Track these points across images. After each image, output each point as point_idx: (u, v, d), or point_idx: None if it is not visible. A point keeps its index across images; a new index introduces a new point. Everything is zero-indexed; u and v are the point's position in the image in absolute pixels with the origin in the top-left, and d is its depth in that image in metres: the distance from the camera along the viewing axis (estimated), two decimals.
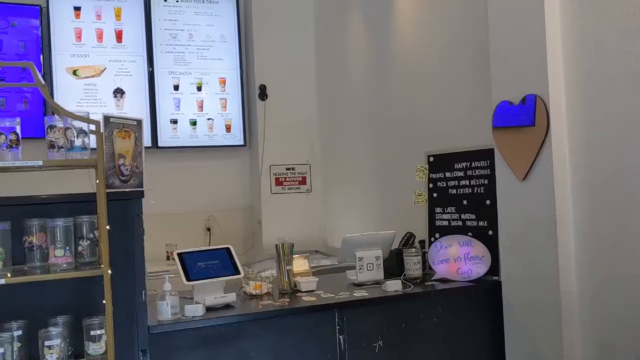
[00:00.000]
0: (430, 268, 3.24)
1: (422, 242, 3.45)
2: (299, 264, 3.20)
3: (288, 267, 3.09)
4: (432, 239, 3.37)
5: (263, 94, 5.26)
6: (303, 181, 5.38)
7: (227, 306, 2.81)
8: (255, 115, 5.33)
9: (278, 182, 5.31)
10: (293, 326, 2.76)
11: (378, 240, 3.25)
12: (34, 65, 2.23)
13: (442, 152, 3.42)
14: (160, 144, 5.07)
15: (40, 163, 2.17)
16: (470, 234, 3.20)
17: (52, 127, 2.28)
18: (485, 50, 3.03)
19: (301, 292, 3.05)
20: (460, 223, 3.28)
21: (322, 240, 5.27)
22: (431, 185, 3.44)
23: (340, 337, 2.77)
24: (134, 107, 4.98)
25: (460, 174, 3.29)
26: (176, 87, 5.17)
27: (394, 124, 4.22)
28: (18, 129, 2.25)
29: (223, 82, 5.30)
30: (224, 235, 5.24)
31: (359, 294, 2.95)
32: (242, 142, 5.37)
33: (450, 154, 3.36)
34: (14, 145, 2.22)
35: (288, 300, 2.91)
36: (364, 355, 2.80)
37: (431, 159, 3.47)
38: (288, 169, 5.34)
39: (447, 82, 3.65)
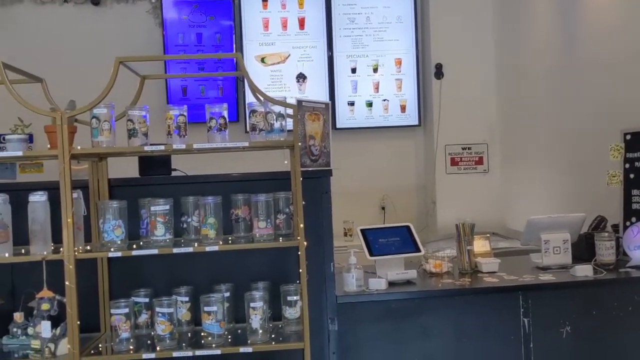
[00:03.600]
0: (624, 254, 3.02)
1: (615, 227, 3.22)
2: (480, 245, 3.18)
3: (469, 248, 3.08)
4: (627, 223, 3.14)
5: (439, 72, 5.22)
6: (480, 161, 5.26)
7: (408, 282, 2.90)
8: (430, 95, 5.31)
9: (453, 162, 5.25)
10: (475, 306, 2.76)
11: (566, 223, 3.11)
12: (240, 56, 2.47)
13: None
14: (338, 125, 5.28)
15: (246, 144, 2.41)
16: None
17: (254, 111, 2.50)
18: None
19: (482, 272, 3.03)
20: None
21: (499, 222, 5.12)
22: (627, 166, 3.19)
23: (525, 320, 2.72)
24: (315, 91, 5.24)
25: None
26: (353, 70, 5.33)
27: (583, 100, 3.96)
28: (225, 114, 2.51)
29: (399, 62, 5.35)
30: (398, 214, 5.33)
31: (545, 277, 2.86)
32: (416, 122, 5.40)
33: None
34: (222, 129, 2.48)
35: (469, 280, 2.92)
36: (550, 340, 2.72)
37: (628, 136, 3.21)
38: (464, 148, 5.25)
39: None
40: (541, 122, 4.56)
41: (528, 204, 4.74)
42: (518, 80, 4.93)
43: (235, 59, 5.17)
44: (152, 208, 2.39)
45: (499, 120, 5.26)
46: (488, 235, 3.33)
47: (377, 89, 5.35)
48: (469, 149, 5.26)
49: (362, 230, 3.00)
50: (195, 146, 2.36)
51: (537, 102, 4.62)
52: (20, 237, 2.41)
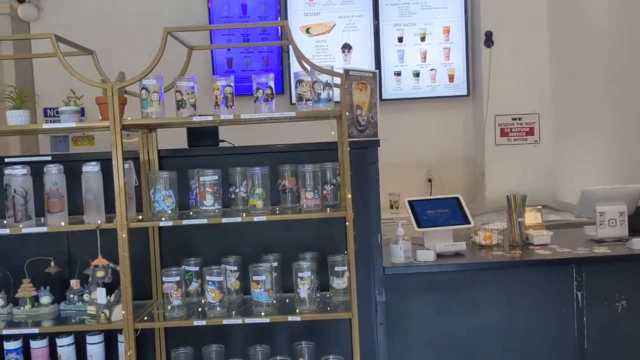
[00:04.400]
0: None
1: None
2: (532, 217, 3.11)
3: (520, 220, 3.01)
4: None
5: (489, 40, 5.05)
6: (531, 132, 5.10)
7: (457, 254, 2.86)
8: (479, 64, 5.16)
9: (503, 133, 5.11)
10: (526, 278, 2.71)
11: (622, 194, 3.00)
12: (287, 23, 2.43)
13: None
14: (384, 96, 5.19)
15: (293, 114, 2.39)
16: None
17: (300, 81, 2.47)
18: None
19: (533, 245, 2.97)
20: None
21: (550, 195, 4.98)
22: None
23: (578, 293, 2.65)
24: (360, 61, 5.16)
25: None
26: (400, 39, 5.22)
27: None
28: (272, 84, 2.49)
29: (447, 31, 5.20)
30: (445, 186, 5.25)
31: (600, 250, 2.78)
32: (465, 92, 5.26)
33: None
34: (269, 99, 2.46)
35: (520, 252, 2.86)
36: (604, 313, 2.65)
37: None
38: (514, 119, 5.10)
39: None
40: (597, 91, 4.38)
41: (581, 176, 4.58)
42: (572, 48, 4.73)
43: (280, 28, 5.14)
44: (201, 178, 2.41)
45: (551, 90, 5.07)
46: (540, 207, 3.25)
47: (424, 58, 5.23)
48: (520, 119, 5.10)
49: (410, 202, 2.96)
50: (242, 116, 2.36)
51: (594, 70, 4.43)
52: (74, 207, 2.48)
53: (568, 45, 4.81)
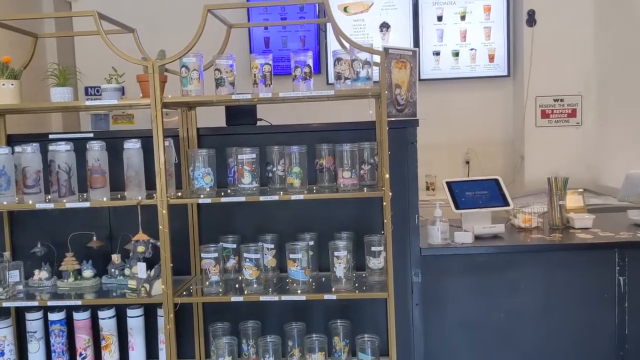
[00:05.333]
0: None
1: None
2: (573, 200, 3.04)
3: (561, 202, 2.95)
4: None
5: (531, 19, 4.91)
6: (573, 114, 4.97)
7: (495, 236, 2.82)
8: (521, 43, 5.03)
9: (544, 115, 4.99)
10: (566, 262, 2.66)
11: None
12: (327, 1, 2.41)
13: None
14: (422, 76, 5.11)
15: (332, 93, 2.37)
16: None
17: (339, 59, 2.45)
18: None
19: (574, 229, 2.91)
20: None
21: (591, 178, 4.86)
22: None
23: (621, 278, 2.59)
24: (398, 41, 5.09)
25: None
26: (439, 18, 5.12)
27: None
28: (310, 62, 2.48)
29: (488, 9, 5.08)
30: (483, 169, 5.16)
31: None
32: (505, 73, 5.14)
33: None
34: (307, 77, 2.45)
35: (560, 236, 2.80)
36: None
37: None
38: (556, 100, 4.97)
39: None
40: None
41: (625, 159, 4.45)
42: (618, 27, 4.56)
43: (317, 5, 5.08)
44: (239, 157, 2.43)
45: (595, 70, 4.91)
46: (581, 190, 3.18)
47: (464, 37, 5.12)
48: (562, 100, 4.97)
49: (448, 183, 2.93)
50: (281, 94, 2.35)
51: (638, 51, 4.27)
52: (115, 183, 2.53)
53: (613, 25, 4.65)
